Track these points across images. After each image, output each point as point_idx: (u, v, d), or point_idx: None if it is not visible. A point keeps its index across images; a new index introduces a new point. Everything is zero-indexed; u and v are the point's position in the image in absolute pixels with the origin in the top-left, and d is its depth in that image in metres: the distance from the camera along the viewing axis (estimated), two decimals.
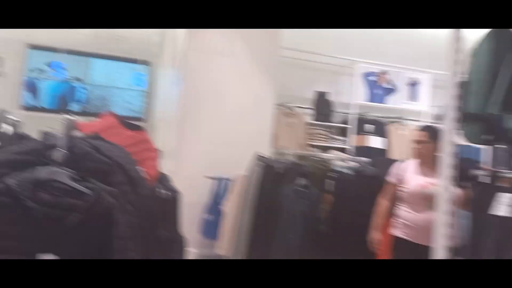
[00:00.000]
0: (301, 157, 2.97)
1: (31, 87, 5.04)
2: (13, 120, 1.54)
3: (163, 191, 1.67)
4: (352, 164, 2.66)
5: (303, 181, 2.45)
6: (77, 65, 5.29)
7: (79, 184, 1.23)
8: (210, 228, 3.90)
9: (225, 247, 3.39)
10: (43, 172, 1.19)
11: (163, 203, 1.65)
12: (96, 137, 1.52)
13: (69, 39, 4.98)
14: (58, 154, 1.24)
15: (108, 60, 5.41)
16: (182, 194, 1.73)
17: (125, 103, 5.44)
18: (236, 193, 3.15)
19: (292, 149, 3.52)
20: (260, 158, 2.75)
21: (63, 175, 1.21)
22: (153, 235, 1.55)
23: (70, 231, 1.18)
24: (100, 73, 5.39)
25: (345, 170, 2.52)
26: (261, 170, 2.61)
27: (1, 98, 4.72)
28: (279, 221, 2.39)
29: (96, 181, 1.29)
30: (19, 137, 1.49)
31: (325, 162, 2.66)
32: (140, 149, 1.68)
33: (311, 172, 2.48)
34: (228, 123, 4.46)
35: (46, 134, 1.38)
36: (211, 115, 4.38)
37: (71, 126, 1.62)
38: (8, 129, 1.48)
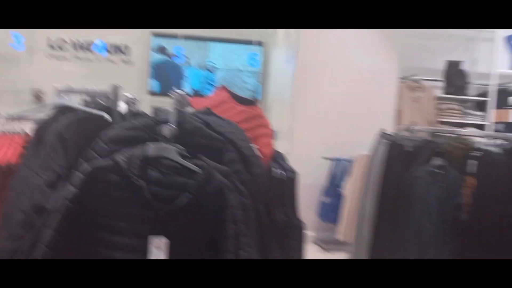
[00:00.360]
0: (434, 134, 2.59)
1: (157, 74, 5.32)
2: (129, 98, 1.51)
3: (278, 171, 1.51)
4: (499, 141, 2.22)
5: (438, 162, 2.10)
6: (196, 50, 5.44)
7: (189, 162, 1.12)
8: (328, 212, 3.71)
9: (345, 232, 3.17)
10: (152, 149, 1.11)
11: (279, 183, 1.50)
12: (208, 112, 1.42)
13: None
14: (168, 129, 1.15)
15: (224, 43, 5.46)
16: (299, 175, 1.56)
17: (242, 84, 5.46)
18: (357, 175, 2.90)
19: (419, 126, 3.13)
20: (385, 135, 2.46)
21: (173, 152, 1.11)
22: (269, 219, 1.40)
23: (180, 212, 1.08)
24: (218, 56, 5.47)
25: (491, 149, 2.11)
26: (387, 149, 2.32)
27: (129, 85, 5.05)
28: (408, 207, 2.09)
29: (207, 159, 1.18)
30: (133, 115, 1.45)
31: (464, 140, 2.27)
32: (254, 125, 1.55)
33: (448, 151, 2.12)
34: (346, 100, 4.18)
35: (157, 110, 1.31)
36: (327, 92, 4.14)
37: (183, 101, 1.55)
38: (122, 107, 1.45)
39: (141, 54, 5.29)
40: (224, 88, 1.61)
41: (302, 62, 4.32)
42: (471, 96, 4.68)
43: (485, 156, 2.10)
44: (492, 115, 4.48)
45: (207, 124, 1.30)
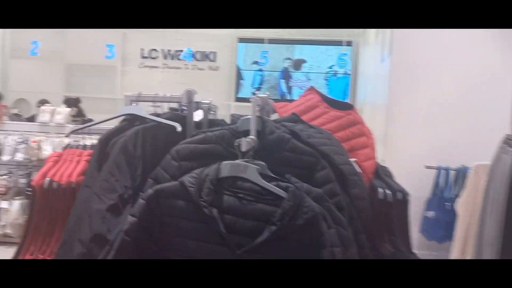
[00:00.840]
0: None
1: (243, 78, 5.22)
2: (206, 104, 1.31)
3: (384, 191, 1.21)
4: None
5: None
6: (281, 53, 5.25)
7: (273, 184, 0.89)
8: (433, 228, 3.25)
9: (460, 256, 2.71)
10: (227, 168, 0.89)
11: (385, 207, 1.20)
12: (295, 119, 1.17)
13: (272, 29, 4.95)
14: (247, 142, 0.92)
15: (311, 45, 5.21)
16: (410, 196, 1.25)
17: (331, 88, 5.17)
18: (474, 188, 2.45)
19: None
20: (511, 142, 2.02)
21: (253, 171, 0.88)
22: (374, 251, 1.11)
23: (262, 249, 0.84)
24: (305, 58, 5.24)
25: None
26: None
27: (217, 91, 5.00)
28: None
29: (295, 179, 0.94)
30: (210, 124, 1.25)
31: None
32: (352, 134, 1.27)
33: None
34: (452, 103, 3.67)
35: (234, 117, 1.10)
36: (429, 94, 3.66)
37: (265, 107, 1.32)
38: (198, 114, 1.26)
39: (228, 59, 5.23)
40: (313, 89, 1.35)
41: (398, 61, 3.88)
42: None
43: None
44: None
45: (295, 134, 1.06)
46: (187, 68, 5.27)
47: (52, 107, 3.72)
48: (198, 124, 1.24)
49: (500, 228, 2.07)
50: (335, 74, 5.23)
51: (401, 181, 3.40)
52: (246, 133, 1.01)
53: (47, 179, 1.34)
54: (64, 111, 3.66)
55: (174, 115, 1.18)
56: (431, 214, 3.23)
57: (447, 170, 3.28)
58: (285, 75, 5.22)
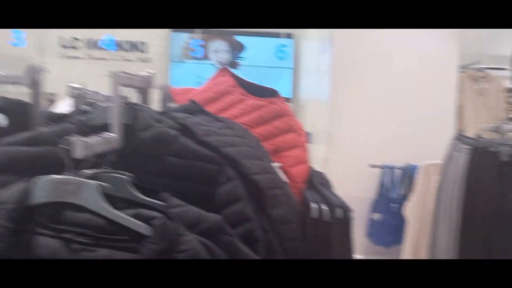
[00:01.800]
0: None
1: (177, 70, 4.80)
2: (75, 90, 0.92)
3: (320, 207, 0.89)
4: None
5: None
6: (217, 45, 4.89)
7: (130, 212, 0.53)
8: (379, 231, 3.03)
9: (410, 251, 2.48)
10: (46, 187, 0.51)
11: (321, 228, 0.88)
12: (194, 108, 0.82)
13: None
14: (85, 144, 0.55)
15: (248, 37, 4.88)
16: (353, 212, 0.93)
17: (269, 82, 4.88)
18: (423, 190, 2.22)
19: (483, 124, 2.41)
20: (465, 138, 1.78)
21: (93, 193, 0.52)
22: None
23: None
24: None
25: None
26: (470, 158, 1.65)
27: None
28: None
29: (178, 200, 0.59)
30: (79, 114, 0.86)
31: None
32: (277, 130, 0.93)
33: None
34: (396, 96, 3.48)
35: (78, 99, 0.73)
36: (372, 87, 3.45)
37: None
38: (61, 104, 0.86)
39: (160, 50, 4.78)
40: (226, 71, 0.99)
41: (338, 54, 3.62)
42: None
43: None
44: None
45: (187, 130, 0.70)
46: (115, 59, 4.76)
47: None
48: (58, 118, 0.84)
49: (455, 233, 1.84)
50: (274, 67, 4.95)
51: (345, 181, 3.12)
52: (104, 128, 0.64)
53: None
54: None
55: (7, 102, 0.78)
56: (377, 216, 3.00)
57: (392, 169, 3.07)
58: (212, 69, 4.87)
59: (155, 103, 0.93)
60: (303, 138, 0.97)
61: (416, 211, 2.25)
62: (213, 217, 0.60)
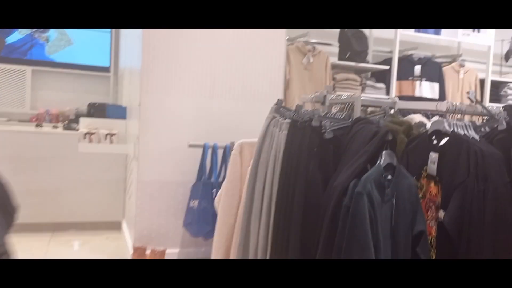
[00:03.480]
0: (349, 108, 1.60)
1: None
2: None
3: None
4: (466, 119, 1.32)
5: (387, 158, 1.13)
6: None
7: None
8: (198, 221, 2.61)
9: (222, 252, 2.08)
10: None
11: None
12: None
13: None
14: None
15: None
16: None
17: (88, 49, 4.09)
18: (235, 174, 1.82)
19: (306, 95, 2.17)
20: (284, 111, 1.42)
21: None
22: None
23: None
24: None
25: (469, 133, 1.20)
26: (291, 134, 1.28)
27: None
28: (344, 228, 1.08)
29: None
30: None
31: (403, 120, 1.37)
32: None
33: (393, 139, 1.16)
34: (216, 69, 3.08)
35: None
36: (194, 60, 2.99)
37: None
38: None
39: None
40: None
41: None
42: (372, 63, 3.90)
43: (454, 145, 1.18)
44: (394, 88, 3.77)
45: None
46: None
47: None
48: None
49: (268, 229, 1.49)
50: None
51: (164, 161, 2.57)
52: None
53: None
54: None
55: None
56: (195, 203, 2.58)
57: (214, 149, 2.67)
58: None
59: None
60: None
61: (227, 201, 1.85)
62: None
